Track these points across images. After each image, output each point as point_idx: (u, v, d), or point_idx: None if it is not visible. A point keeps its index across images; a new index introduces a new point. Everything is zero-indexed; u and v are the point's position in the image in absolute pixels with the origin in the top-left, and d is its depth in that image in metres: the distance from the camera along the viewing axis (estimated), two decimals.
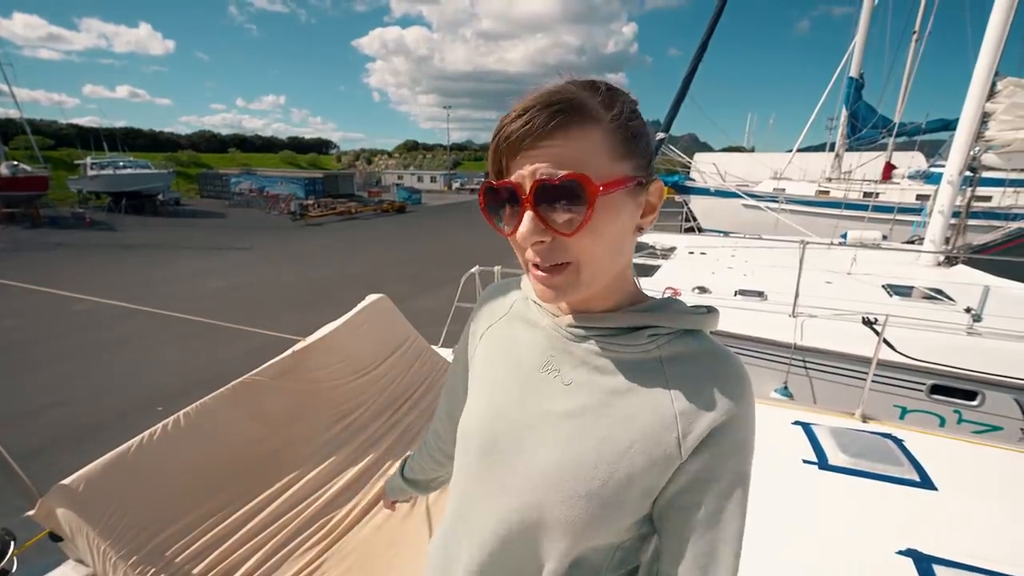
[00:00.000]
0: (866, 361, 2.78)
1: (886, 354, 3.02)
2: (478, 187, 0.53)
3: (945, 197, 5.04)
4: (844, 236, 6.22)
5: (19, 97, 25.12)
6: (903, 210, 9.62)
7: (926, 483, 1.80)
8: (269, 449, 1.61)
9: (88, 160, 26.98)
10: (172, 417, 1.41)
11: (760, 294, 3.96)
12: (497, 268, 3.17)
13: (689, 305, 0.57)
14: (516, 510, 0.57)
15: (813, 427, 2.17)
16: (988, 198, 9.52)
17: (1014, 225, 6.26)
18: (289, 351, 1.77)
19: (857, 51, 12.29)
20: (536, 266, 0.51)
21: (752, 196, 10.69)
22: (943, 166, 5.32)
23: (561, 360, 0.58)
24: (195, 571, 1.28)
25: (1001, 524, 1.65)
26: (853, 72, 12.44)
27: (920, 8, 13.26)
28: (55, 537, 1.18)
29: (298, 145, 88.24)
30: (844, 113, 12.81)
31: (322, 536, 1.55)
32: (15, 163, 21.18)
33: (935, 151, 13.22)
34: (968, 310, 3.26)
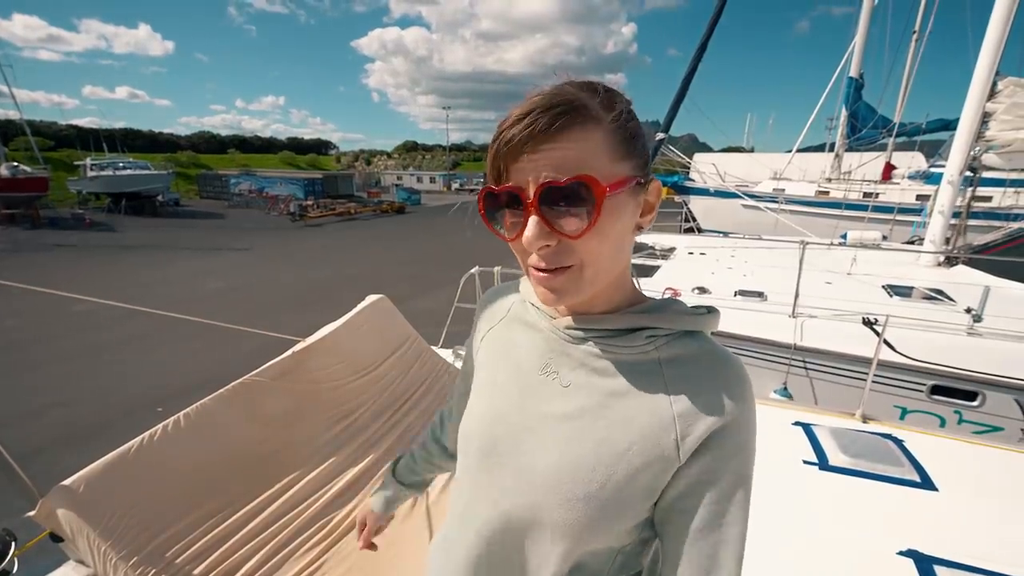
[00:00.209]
0: (866, 361, 2.78)
1: (886, 354, 3.02)
2: (478, 187, 0.53)
3: (945, 197, 5.03)
4: (844, 236, 6.21)
5: (19, 98, 25.16)
6: (903, 210, 9.61)
7: (926, 483, 1.80)
8: (269, 450, 1.61)
9: (88, 161, 27.05)
10: (172, 418, 1.41)
11: (760, 294, 3.95)
12: (497, 269, 3.17)
13: (689, 306, 0.57)
14: (514, 513, 0.57)
15: (813, 428, 2.17)
16: (988, 198, 9.51)
17: (1014, 225, 6.27)
18: (289, 352, 1.77)
19: (857, 51, 12.28)
20: (539, 269, 0.50)
21: (752, 196, 10.70)
22: (943, 166, 5.32)
23: (559, 362, 0.58)
24: (195, 572, 1.28)
25: (1001, 524, 1.64)
26: (853, 72, 12.44)
27: (920, 8, 13.26)
28: (56, 538, 1.18)
29: (297, 146, 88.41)
30: (844, 113, 12.81)
31: (322, 537, 1.55)
32: (15, 164, 21.19)
33: (935, 151, 13.23)
34: (968, 310, 3.25)
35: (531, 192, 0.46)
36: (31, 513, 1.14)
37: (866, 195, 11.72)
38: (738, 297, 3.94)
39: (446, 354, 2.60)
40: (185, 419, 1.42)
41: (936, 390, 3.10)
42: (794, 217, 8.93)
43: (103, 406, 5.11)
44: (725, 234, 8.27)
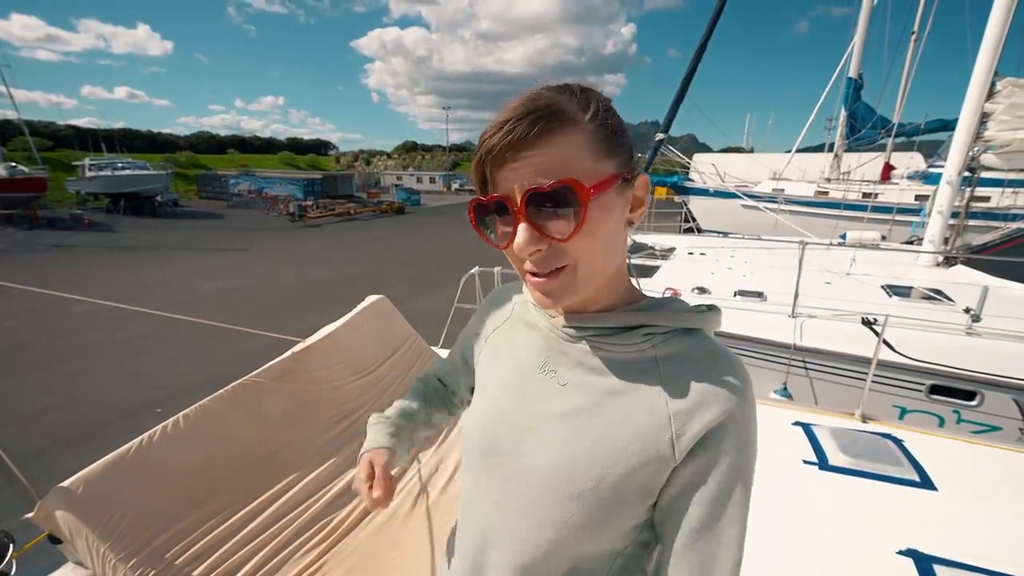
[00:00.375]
0: (866, 361, 2.79)
1: (886, 354, 3.02)
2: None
3: (944, 197, 5.04)
4: (843, 236, 6.22)
5: (17, 98, 25.17)
6: (902, 210, 9.61)
7: (926, 483, 1.80)
8: (269, 450, 1.60)
9: (86, 161, 26.97)
10: (172, 419, 1.40)
11: (759, 294, 3.96)
12: (497, 269, 3.17)
13: (690, 305, 0.57)
14: (513, 512, 0.57)
15: (813, 427, 2.17)
16: (987, 198, 9.53)
17: (1013, 225, 6.28)
18: (289, 352, 1.77)
19: (856, 51, 12.30)
20: (533, 273, 0.51)
21: (751, 197, 10.71)
22: (942, 166, 5.32)
23: (557, 361, 0.58)
24: (195, 573, 1.28)
25: (1001, 524, 1.65)
26: (852, 72, 12.47)
27: (919, 8, 13.26)
28: (54, 539, 1.18)
29: (297, 146, 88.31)
30: (843, 113, 12.84)
31: (323, 538, 1.55)
32: (13, 164, 21.14)
33: (934, 151, 13.24)
34: (967, 310, 3.26)
35: (518, 199, 0.47)
36: (29, 515, 1.13)
37: (865, 195, 11.73)
38: (738, 297, 3.95)
39: (446, 354, 2.59)
40: (184, 420, 1.42)
41: (935, 390, 3.10)
42: (793, 217, 8.93)
43: (102, 407, 5.10)
44: (725, 234, 8.27)
